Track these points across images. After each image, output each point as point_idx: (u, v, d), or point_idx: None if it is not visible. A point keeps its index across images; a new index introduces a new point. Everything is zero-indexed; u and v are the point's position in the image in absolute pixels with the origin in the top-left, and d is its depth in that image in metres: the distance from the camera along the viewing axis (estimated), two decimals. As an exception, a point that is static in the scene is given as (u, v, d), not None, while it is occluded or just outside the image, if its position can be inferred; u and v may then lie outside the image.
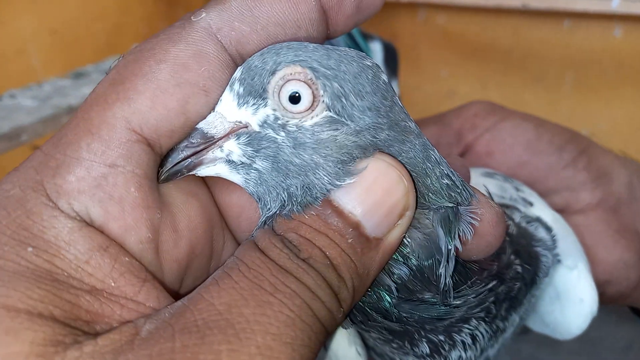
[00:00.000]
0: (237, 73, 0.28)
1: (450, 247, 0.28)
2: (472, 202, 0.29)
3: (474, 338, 0.32)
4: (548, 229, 0.38)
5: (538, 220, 0.38)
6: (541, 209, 0.40)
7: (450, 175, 0.29)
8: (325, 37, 0.30)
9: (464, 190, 0.29)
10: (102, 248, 0.25)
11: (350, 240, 0.26)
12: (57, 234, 0.25)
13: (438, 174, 0.29)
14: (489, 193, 0.35)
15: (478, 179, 0.40)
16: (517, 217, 0.38)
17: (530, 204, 0.40)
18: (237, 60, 0.28)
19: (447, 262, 0.28)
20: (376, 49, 1.02)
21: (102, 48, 1.11)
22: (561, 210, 0.44)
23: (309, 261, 0.26)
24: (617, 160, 0.47)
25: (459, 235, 0.28)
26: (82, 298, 0.24)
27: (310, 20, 0.29)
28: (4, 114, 0.71)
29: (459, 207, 0.29)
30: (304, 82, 0.27)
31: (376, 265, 0.28)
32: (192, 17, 0.28)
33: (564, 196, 0.45)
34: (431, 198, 0.29)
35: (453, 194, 0.29)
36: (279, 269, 0.25)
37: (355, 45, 0.91)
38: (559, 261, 0.38)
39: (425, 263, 0.28)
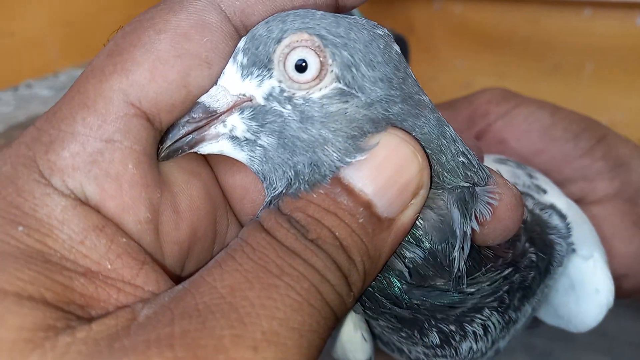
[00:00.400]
0: (241, 43, 0.27)
1: (465, 229, 0.27)
2: (489, 183, 0.27)
3: (485, 329, 0.31)
4: (562, 216, 0.37)
5: (552, 207, 0.37)
6: (555, 196, 0.39)
7: (466, 153, 0.28)
8: (334, 10, 0.29)
9: (480, 169, 0.28)
10: (98, 228, 0.24)
11: (361, 220, 0.25)
12: (49, 213, 0.24)
13: (454, 151, 0.27)
14: None
15: (490, 165, 0.40)
16: (530, 204, 0.36)
17: (544, 191, 0.39)
18: (241, 31, 0.27)
19: (462, 245, 0.27)
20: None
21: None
22: (577, 201, 0.43)
23: (317, 242, 0.24)
24: (636, 150, 0.46)
25: (475, 217, 0.27)
26: (76, 280, 0.23)
27: None
28: (20, 104, 0.72)
29: (475, 187, 0.27)
30: (311, 49, 0.26)
31: (388, 247, 0.26)
32: None
33: (580, 186, 0.44)
34: (446, 177, 0.27)
35: (469, 173, 0.27)
36: (285, 250, 0.24)
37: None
38: (573, 250, 0.37)
39: (439, 246, 0.27)
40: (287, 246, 0.24)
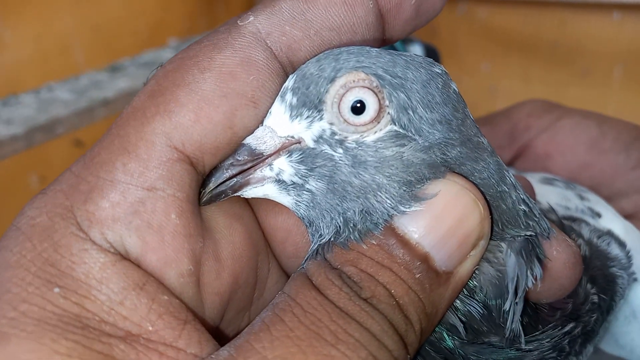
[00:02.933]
0: (290, 82, 0.25)
1: (521, 283, 0.25)
2: (551, 236, 0.26)
3: None
4: (622, 244, 0.34)
5: (609, 234, 0.34)
6: (611, 220, 0.36)
7: (527, 201, 0.26)
8: (381, 43, 0.27)
9: (541, 219, 0.26)
10: (139, 286, 0.22)
11: (418, 276, 0.23)
12: (87, 271, 0.22)
13: (514, 199, 0.25)
14: (556, 214, 0.32)
15: (537, 187, 0.36)
16: (586, 232, 0.34)
17: (598, 215, 0.36)
18: (287, 68, 0.26)
19: (516, 301, 0.25)
20: (416, 53, 0.99)
21: (143, 43, 1.13)
22: (631, 216, 0.40)
23: (372, 301, 0.22)
24: None
25: (532, 273, 0.25)
26: (116, 348, 0.21)
27: (366, 25, 0.26)
28: (42, 106, 0.73)
29: (537, 238, 0.25)
30: (370, 89, 0.24)
31: (445, 302, 0.24)
32: (238, 21, 0.25)
33: (633, 200, 0.41)
34: (506, 226, 0.25)
35: (531, 223, 0.25)
36: (339, 313, 0.22)
37: (393, 50, 0.89)
38: (635, 280, 0.35)
39: (493, 301, 0.25)
40: (341, 307, 0.22)
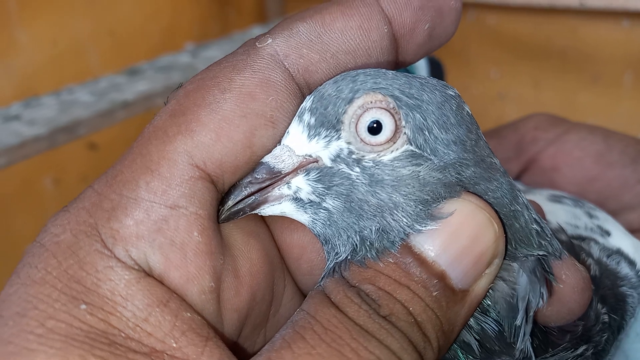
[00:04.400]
0: (307, 102, 0.26)
1: (533, 304, 0.25)
2: (563, 258, 0.26)
3: None
4: (631, 262, 0.34)
5: (619, 253, 0.35)
6: (620, 238, 0.36)
7: (539, 221, 0.26)
8: (394, 66, 0.28)
9: (553, 239, 0.26)
10: (162, 303, 0.23)
11: (435, 293, 0.24)
12: (113, 288, 0.22)
13: (527, 218, 0.26)
14: (566, 233, 0.32)
15: (545, 205, 0.36)
16: (595, 251, 0.34)
17: (608, 233, 0.36)
18: (304, 89, 0.26)
19: (526, 320, 0.25)
20: (420, 65, 1.00)
21: (156, 47, 1.14)
22: (638, 230, 0.40)
23: (391, 319, 0.23)
24: None
25: (541, 293, 0.25)
26: None
27: (381, 49, 0.27)
28: (63, 108, 0.74)
29: (548, 258, 0.26)
30: (386, 110, 0.25)
31: (461, 320, 0.25)
32: (257, 43, 0.26)
33: None
34: (519, 245, 0.26)
35: (543, 242, 0.26)
36: (359, 330, 0.22)
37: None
38: None
39: (505, 320, 0.25)
40: (361, 325, 0.22)
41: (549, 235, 0.26)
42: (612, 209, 0.40)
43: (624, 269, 0.34)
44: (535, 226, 0.26)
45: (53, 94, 0.79)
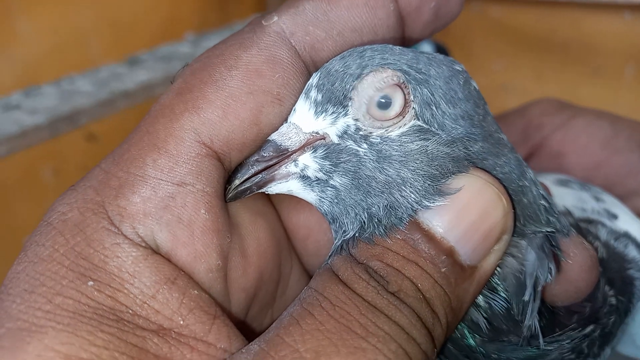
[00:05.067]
0: (314, 79, 0.25)
1: (541, 281, 0.25)
2: (570, 235, 0.25)
3: None
4: (639, 246, 0.34)
5: (626, 235, 0.34)
6: (628, 222, 0.35)
7: (546, 197, 0.26)
8: (401, 45, 0.28)
9: (561, 216, 0.26)
10: (170, 280, 0.23)
11: (443, 270, 0.23)
12: (120, 265, 0.22)
13: (535, 194, 0.26)
14: (573, 216, 0.32)
15: (552, 189, 0.35)
16: (603, 234, 0.33)
17: (615, 217, 0.35)
18: (310, 67, 0.26)
19: (534, 297, 0.25)
20: (426, 50, 0.99)
21: (157, 36, 1.14)
22: None
23: (399, 295, 0.22)
24: None
25: (549, 268, 0.25)
26: (150, 341, 0.22)
27: (387, 27, 0.26)
28: (63, 97, 0.74)
29: (556, 234, 0.25)
30: (396, 85, 0.25)
31: (470, 297, 0.24)
32: (263, 21, 0.25)
33: None
34: (527, 221, 0.25)
35: (551, 219, 0.25)
36: (368, 306, 0.22)
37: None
38: None
39: (514, 297, 0.25)
40: (369, 301, 0.22)
41: (557, 212, 0.26)
42: (619, 194, 0.40)
43: (632, 252, 0.33)
44: (543, 202, 0.26)
45: (54, 83, 0.79)
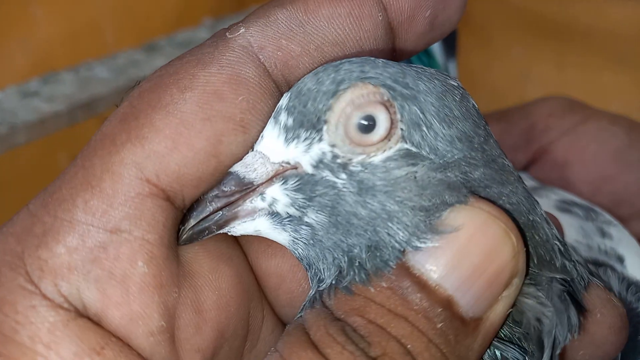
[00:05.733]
0: (284, 100, 0.23)
1: (561, 341, 0.22)
2: (590, 287, 0.22)
3: None
4: None
5: (637, 285, 0.30)
6: (636, 266, 0.31)
7: (560, 238, 0.23)
8: (390, 58, 0.25)
9: (578, 263, 0.23)
10: (95, 351, 0.19)
11: (439, 325, 0.20)
12: (34, 334, 0.19)
13: (547, 232, 0.22)
14: (581, 256, 0.28)
15: (551, 212, 0.31)
16: (615, 283, 0.30)
17: (620, 260, 0.31)
18: (282, 87, 0.23)
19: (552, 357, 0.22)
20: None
21: (173, 23, 1.13)
22: None
23: None
24: None
25: (570, 327, 0.22)
26: None
27: (375, 39, 0.24)
28: (82, 84, 0.73)
29: (573, 283, 0.22)
30: (380, 103, 0.21)
31: (474, 356, 0.21)
32: (227, 33, 0.23)
33: None
34: (542, 265, 0.22)
35: (567, 264, 0.22)
36: None
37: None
38: None
39: (533, 348, 0.22)
40: None
41: (574, 258, 0.23)
42: (624, 214, 0.37)
43: None
44: (557, 242, 0.22)
45: (71, 70, 0.79)
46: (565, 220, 0.32)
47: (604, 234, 0.33)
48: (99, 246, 0.20)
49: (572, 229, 0.32)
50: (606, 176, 0.38)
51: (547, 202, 0.35)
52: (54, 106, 0.66)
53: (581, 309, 0.23)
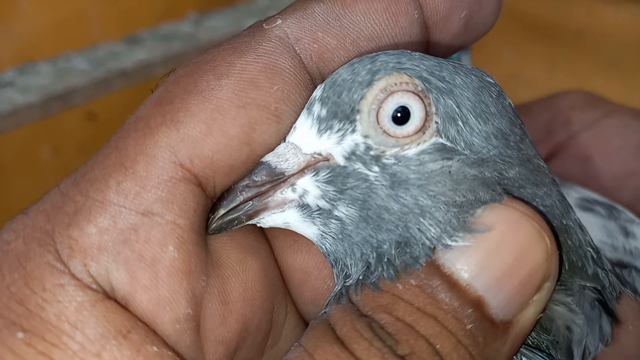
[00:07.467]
0: (318, 91, 0.22)
1: (592, 350, 0.21)
2: (622, 297, 0.22)
3: None
4: None
5: None
6: None
7: (593, 245, 0.22)
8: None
9: (610, 273, 0.22)
10: (121, 334, 0.19)
11: (469, 327, 0.19)
12: (60, 312, 0.19)
13: (580, 238, 0.22)
14: (607, 259, 0.27)
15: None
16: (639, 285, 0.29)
17: None
18: (316, 80, 0.23)
19: None
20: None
21: (160, 15, 1.12)
22: None
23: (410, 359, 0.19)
24: None
25: (602, 338, 0.21)
26: None
27: (410, 36, 0.23)
28: (58, 76, 0.72)
29: (604, 292, 0.21)
30: (415, 93, 0.21)
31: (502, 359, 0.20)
32: (264, 24, 0.22)
33: None
34: (574, 271, 0.21)
35: (600, 273, 0.22)
36: None
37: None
38: None
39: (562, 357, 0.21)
40: None
41: (607, 266, 0.22)
42: None
43: None
44: (590, 249, 0.22)
45: (49, 61, 0.77)
46: (588, 219, 0.32)
47: (627, 233, 0.32)
48: (130, 228, 0.20)
49: (596, 229, 0.31)
50: (628, 172, 0.37)
51: (569, 200, 0.34)
52: (27, 97, 0.64)
53: (613, 319, 0.22)
